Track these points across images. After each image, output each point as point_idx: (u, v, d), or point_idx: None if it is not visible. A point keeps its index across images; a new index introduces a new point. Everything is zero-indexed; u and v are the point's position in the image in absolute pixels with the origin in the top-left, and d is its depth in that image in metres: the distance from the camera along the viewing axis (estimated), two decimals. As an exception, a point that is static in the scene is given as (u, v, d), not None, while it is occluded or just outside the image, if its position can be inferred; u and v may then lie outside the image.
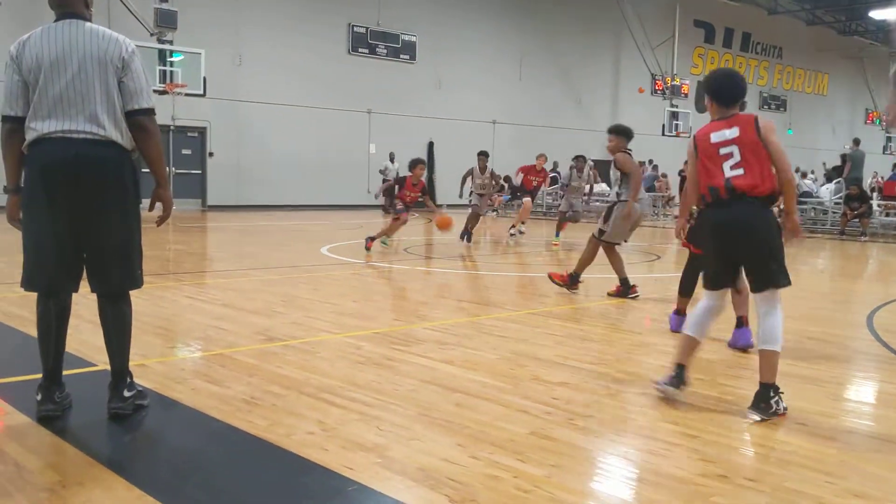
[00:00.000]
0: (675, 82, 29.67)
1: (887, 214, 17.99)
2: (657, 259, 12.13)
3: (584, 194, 14.58)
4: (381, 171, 22.93)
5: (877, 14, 30.30)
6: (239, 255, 11.50)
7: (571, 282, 7.77)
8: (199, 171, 22.00)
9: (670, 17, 30.14)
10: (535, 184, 15.35)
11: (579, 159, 14.20)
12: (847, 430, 3.81)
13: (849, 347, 5.88)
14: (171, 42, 19.30)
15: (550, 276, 7.93)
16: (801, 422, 3.77)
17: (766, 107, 35.69)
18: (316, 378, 4.36)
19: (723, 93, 4.06)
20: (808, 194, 19.25)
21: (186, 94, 19.52)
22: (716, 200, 3.92)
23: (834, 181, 19.54)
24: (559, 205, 15.69)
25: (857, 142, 21.93)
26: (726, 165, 3.88)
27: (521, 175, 15.57)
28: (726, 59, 34.08)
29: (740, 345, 5.38)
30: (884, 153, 34.14)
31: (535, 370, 4.68)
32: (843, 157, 19.42)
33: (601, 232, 7.63)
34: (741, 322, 5.41)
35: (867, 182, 20.46)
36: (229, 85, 21.28)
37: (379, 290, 8.31)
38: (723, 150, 3.91)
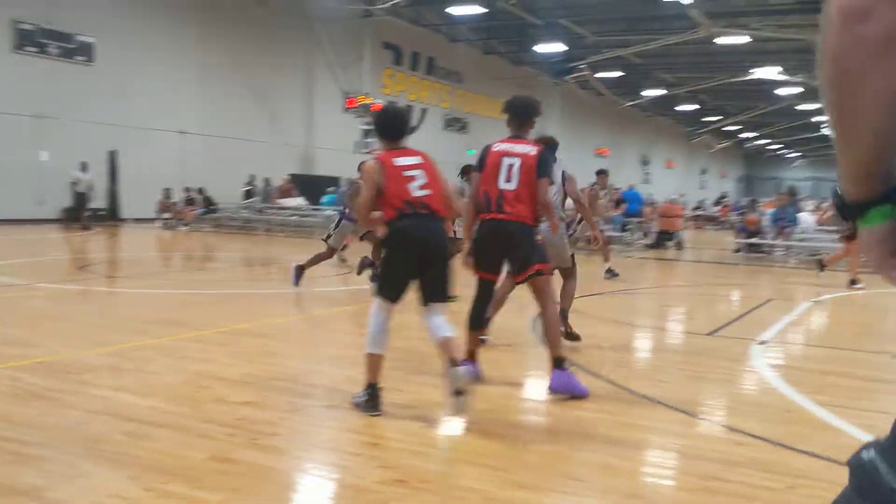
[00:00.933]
0: (366, 101, 30.62)
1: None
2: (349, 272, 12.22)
3: None
4: (72, 183, 20.78)
5: (540, 48, 33.85)
6: None
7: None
8: None
9: (360, 37, 31.10)
10: None
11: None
12: (513, 424, 4.17)
13: (516, 348, 6.41)
14: None
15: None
16: (474, 421, 4.04)
17: (449, 128, 38.11)
18: (-40, 418, 3.81)
19: (388, 130, 4.46)
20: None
21: None
22: (414, 213, 4.18)
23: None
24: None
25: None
26: (413, 185, 4.23)
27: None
28: (413, 81, 35.87)
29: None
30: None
31: (219, 391, 4.51)
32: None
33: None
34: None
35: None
36: None
37: (47, 314, 7.47)
38: (407, 174, 4.26)
